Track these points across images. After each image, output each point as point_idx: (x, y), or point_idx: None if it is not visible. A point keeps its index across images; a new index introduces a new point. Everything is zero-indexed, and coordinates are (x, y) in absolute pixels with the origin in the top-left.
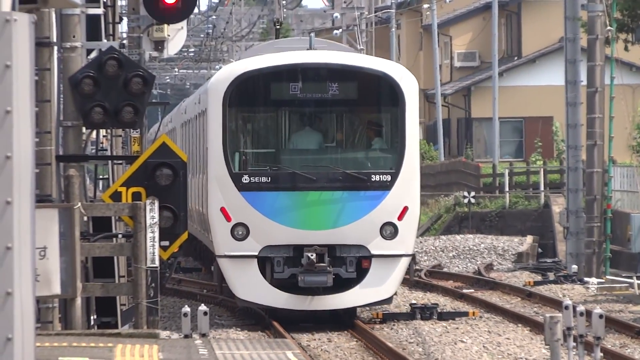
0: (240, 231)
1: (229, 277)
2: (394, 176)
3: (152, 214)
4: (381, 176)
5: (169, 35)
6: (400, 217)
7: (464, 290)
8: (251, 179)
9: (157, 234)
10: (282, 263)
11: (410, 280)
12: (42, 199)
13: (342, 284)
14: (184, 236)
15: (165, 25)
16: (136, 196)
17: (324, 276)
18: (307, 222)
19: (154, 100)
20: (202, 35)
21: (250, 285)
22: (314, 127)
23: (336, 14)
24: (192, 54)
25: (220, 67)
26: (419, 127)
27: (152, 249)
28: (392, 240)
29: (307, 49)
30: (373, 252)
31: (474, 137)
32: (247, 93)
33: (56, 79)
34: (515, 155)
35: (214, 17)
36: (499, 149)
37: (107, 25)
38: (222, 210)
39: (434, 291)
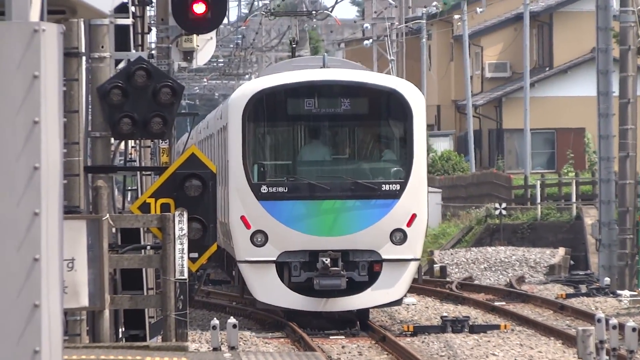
0: (260, 238)
1: (249, 281)
2: (403, 185)
3: (181, 225)
4: (391, 186)
5: (198, 46)
6: (409, 224)
7: (496, 303)
8: (269, 189)
9: (186, 246)
10: (299, 267)
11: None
12: (70, 210)
13: (355, 287)
14: (213, 248)
15: (195, 36)
16: (165, 207)
17: (338, 279)
18: (322, 229)
19: (182, 111)
20: (231, 46)
21: (269, 289)
22: (327, 140)
23: (366, 25)
24: (221, 64)
25: (250, 78)
26: (426, 140)
27: (181, 261)
28: (401, 246)
29: (321, 67)
30: (384, 256)
31: (505, 149)
32: (264, 109)
33: (84, 90)
34: (547, 166)
35: (243, 27)
36: (530, 160)
37: (136, 36)
38: (242, 218)
39: (465, 304)
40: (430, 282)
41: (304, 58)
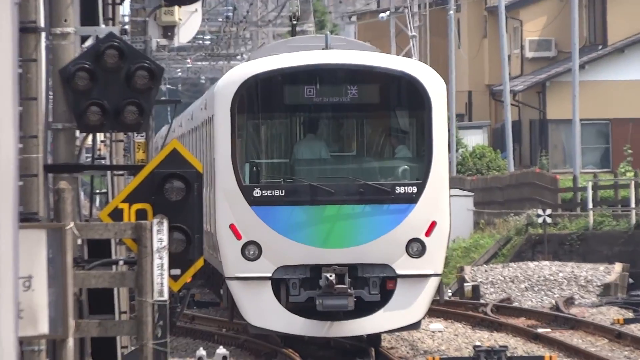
0: (252, 250)
1: (240, 301)
2: (421, 187)
3: (160, 236)
4: (406, 188)
5: (180, 20)
6: (427, 233)
7: (539, 330)
8: (263, 192)
9: (166, 261)
10: (298, 285)
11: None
12: (26, 218)
13: (364, 308)
14: (199, 263)
15: (176, 8)
16: (141, 214)
17: (345, 299)
18: (325, 240)
19: (162, 98)
20: (220, 20)
21: (263, 310)
22: (331, 134)
23: None
24: (208, 42)
25: (243, 58)
26: (447, 133)
27: (160, 279)
28: (419, 259)
29: (323, 48)
30: (398, 271)
31: (550, 143)
32: (257, 97)
33: (44, 72)
34: (601, 164)
35: None
36: (580, 157)
37: (106, 7)
38: (232, 227)
39: (502, 331)
40: (460, 304)
41: (303, 37)
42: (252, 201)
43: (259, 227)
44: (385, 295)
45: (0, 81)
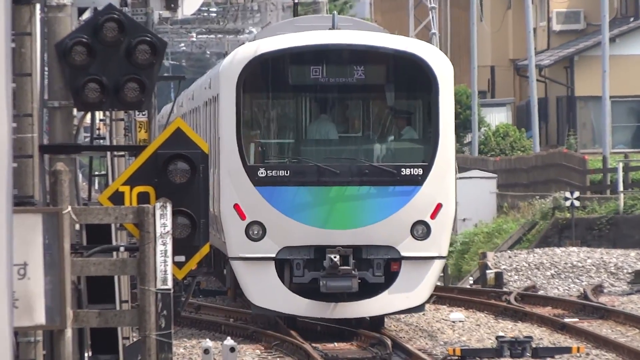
0: (256, 230)
1: (244, 281)
2: (426, 169)
3: (163, 220)
4: (412, 170)
5: None
6: (433, 215)
7: (566, 320)
8: (268, 172)
9: (169, 247)
10: (302, 266)
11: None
12: (21, 202)
13: (368, 290)
14: (205, 250)
15: None
16: (143, 198)
17: (349, 280)
18: (330, 221)
19: (165, 74)
20: None
21: (266, 291)
22: (337, 115)
23: None
24: (213, 15)
25: (250, 32)
26: (453, 115)
27: (164, 266)
28: (424, 241)
29: (330, 28)
30: (403, 253)
31: (578, 122)
32: (263, 77)
33: (39, 47)
34: (632, 144)
35: None
36: (610, 136)
37: None
38: (236, 207)
39: (526, 320)
40: (482, 292)
41: (310, 17)
42: (257, 181)
43: (264, 207)
44: (390, 277)
45: None
